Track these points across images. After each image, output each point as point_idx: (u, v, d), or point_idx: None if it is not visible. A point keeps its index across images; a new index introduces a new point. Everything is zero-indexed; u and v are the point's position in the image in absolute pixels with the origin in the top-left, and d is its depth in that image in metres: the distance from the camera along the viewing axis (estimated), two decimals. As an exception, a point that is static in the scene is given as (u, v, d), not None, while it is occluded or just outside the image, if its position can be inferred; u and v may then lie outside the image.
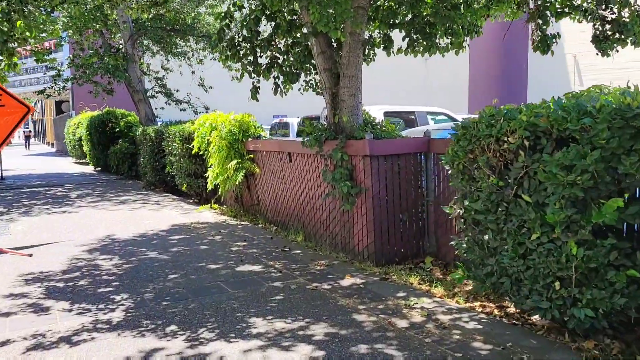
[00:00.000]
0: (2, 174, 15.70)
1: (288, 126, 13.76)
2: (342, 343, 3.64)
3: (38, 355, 3.56)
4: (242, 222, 8.15)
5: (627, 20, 5.81)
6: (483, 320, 3.99)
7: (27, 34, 8.09)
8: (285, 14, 6.38)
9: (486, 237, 3.71)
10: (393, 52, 6.38)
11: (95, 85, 14.61)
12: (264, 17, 6.33)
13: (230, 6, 6.61)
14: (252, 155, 8.14)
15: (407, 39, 6.36)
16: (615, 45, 5.91)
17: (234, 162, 8.05)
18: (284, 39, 6.61)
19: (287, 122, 13.99)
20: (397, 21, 6.23)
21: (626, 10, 5.78)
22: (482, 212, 3.72)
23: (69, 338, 3.84)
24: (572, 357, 3.30)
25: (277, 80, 6.79)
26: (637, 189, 3.14)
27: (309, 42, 6.26)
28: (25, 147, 36.76)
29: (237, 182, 8.03)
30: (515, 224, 3.47)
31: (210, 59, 16.41)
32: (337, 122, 6.02)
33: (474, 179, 3.83)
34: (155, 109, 15.56)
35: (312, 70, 6.72)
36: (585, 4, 5.91)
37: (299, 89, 7.17)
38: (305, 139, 6.22)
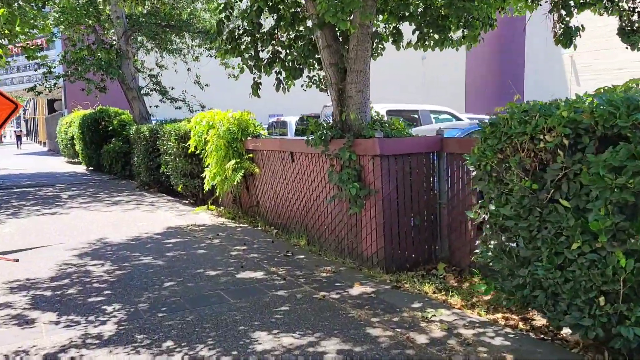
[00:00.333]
0: (-9, 173, 15.31)
1: (286, 125, 13.41)
2: (358, 362, 3.30)
3: (19, 377, 3.21)
4: (241, 225, 7.79)
5: None
6: (510, 335, 3.65)
7: (18, 29, 7.67)
8: (289, 5, 6.03)
9: (516, 245, 3.36)
10: (403, 45, 6.04)
11: (88, 82, 14.19)
12: (266, 8, 5.99)
13: (230, -4, 6.25)
14: (251, 155, 7.79)
15: (417, 32, 6.03)
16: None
17: (233, 161, 7.70)
18: (287, 32, 6.28)
19: (284, 121, 13.65)
20: (407, 13, 5.88)
21: None
22: (511, 218, 3.37)
23: (55, 356, 3.48)
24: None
25: (279, 75, 6.45)
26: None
27: (313, 36, 5.92)
28: (17, 146, 36.56)
29: (235, 183, 7.70)
30: (552, 231, 3.11)
31: (207, 56, 16.07)
32: (344, 120, 5.68)
33: (502, 181, 3.49)
34: (150, 107, 15.20)
35: (316, 65, 6.38)
36: None
37: (302, 85, 6.85)
38: (310, 138, 5.87)
